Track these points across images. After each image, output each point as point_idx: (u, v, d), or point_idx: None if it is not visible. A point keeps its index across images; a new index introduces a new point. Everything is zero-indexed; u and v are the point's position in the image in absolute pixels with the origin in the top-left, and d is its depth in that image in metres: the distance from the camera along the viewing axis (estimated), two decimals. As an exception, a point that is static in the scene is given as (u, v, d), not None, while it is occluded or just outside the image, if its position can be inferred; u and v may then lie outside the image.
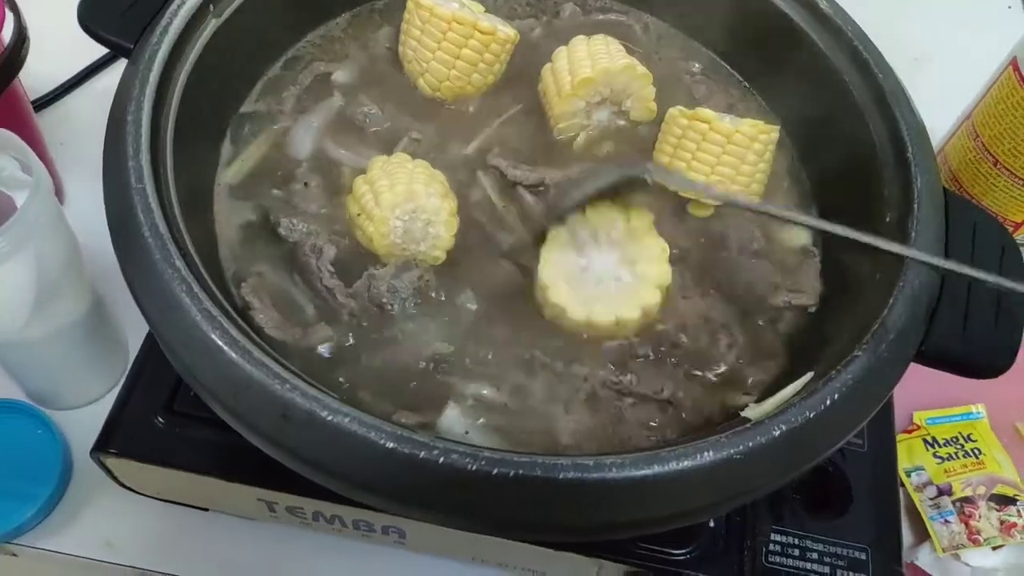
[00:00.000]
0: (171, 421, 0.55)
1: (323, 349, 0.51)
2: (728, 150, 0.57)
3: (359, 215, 0.55)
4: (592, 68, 0.60)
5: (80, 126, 0.82)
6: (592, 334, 0.52)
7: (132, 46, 0.52)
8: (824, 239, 0.60)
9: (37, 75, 0.80)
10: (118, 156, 0.47)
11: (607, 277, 0.52)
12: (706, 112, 0.58)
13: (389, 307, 0.52)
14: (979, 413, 0.73)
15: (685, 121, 0.59)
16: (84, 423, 0.62)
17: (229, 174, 0.58)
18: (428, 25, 0.61)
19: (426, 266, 0.54)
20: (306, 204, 0.57)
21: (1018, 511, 0.66)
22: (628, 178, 0.52)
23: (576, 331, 0.52)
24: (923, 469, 0.69)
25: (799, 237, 0.60)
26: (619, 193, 0.53)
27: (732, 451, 0.41)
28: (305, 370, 0.44)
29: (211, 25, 0.55)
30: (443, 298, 0.54)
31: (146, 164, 0.46)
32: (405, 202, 0.53)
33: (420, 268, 0.54)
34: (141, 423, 0.55)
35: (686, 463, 0.40)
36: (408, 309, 0.53)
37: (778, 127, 0.60)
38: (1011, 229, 0.73)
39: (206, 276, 0.45)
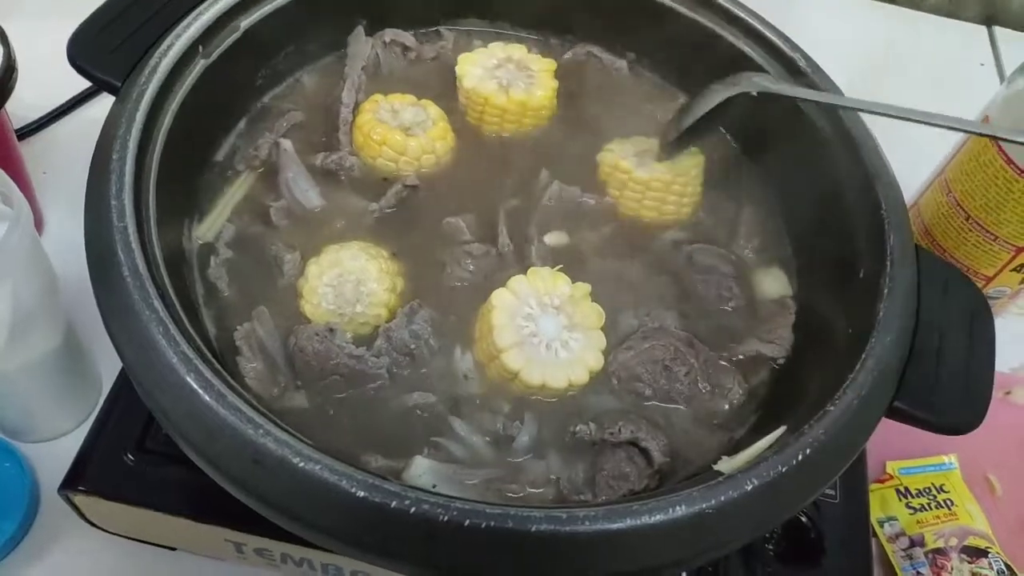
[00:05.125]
0: (141, 459, 0.54)
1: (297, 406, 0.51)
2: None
3: (297, 299, 0.55)
4: None
5: (64, 156, 0.82)
6: (539, 395, 0.53)
7: (120, 84, 0.53)
8: (800, 292, 0.60)
9: (22, 103, 0.79)
10: (101, 194, 0.47)
11: (554, 342, 0.53)
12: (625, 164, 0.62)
13: (417, 350, 0.53)
14: (951, 464, 0.73)
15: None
16: (53, 456, 0.61)
17: (203, 228, 0.58)
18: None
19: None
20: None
21: (989, 564, 0.66)
22: (735, 95, 0.53)
23: (524, 393, 0.53)
24: (896, 519, 0.70)
25: (776, 288, 0.61)
26: (725, 112, 0.55)
27: (704, 505, 0.41)
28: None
29: (199, 66, 0.55)
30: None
31: (128, 204, 0.46)
32: (330, 268, 0.54)
33: (426, 309, 0.54)
34: (111, 461, 0.54)
35: (658, 517, 0.40)
36: (432, 346, 0.53)
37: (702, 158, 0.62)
38: (983, 283, 0.74)
39: (184, 318, 0.45)
